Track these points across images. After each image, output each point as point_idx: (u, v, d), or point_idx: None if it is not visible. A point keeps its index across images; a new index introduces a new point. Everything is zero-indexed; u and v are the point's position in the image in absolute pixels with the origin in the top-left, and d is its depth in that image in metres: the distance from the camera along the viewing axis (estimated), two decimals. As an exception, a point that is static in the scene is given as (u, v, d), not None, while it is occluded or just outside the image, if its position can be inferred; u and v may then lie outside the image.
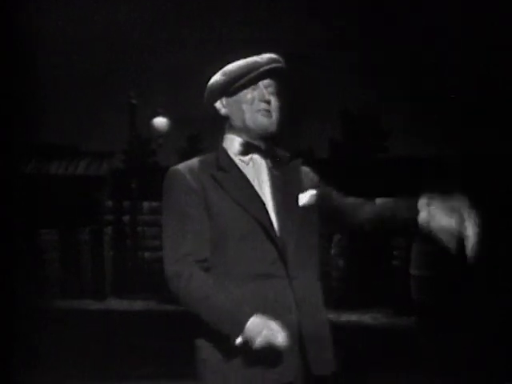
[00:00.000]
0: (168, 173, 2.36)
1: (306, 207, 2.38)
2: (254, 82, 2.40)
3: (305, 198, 2.39)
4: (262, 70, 2.39)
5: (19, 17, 7.73)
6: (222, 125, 2.45)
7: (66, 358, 6.72)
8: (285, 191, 2.37)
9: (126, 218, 13.01)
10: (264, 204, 2.30)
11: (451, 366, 6.59)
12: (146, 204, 13.07)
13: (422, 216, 2.17)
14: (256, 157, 2.41)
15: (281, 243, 2.26)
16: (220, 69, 2.47)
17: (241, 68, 2.40)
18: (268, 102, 2.40)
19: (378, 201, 2.36)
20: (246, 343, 2.07)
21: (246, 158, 2.40)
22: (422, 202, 2.18)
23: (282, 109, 2.45)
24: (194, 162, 2.39)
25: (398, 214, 2.25)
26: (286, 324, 2.12)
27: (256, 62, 2.40)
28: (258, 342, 2.04)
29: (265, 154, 2.42)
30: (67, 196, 13.08)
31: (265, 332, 2.04)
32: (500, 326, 7.95)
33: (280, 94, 2.46)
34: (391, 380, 6.22)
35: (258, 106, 2.40)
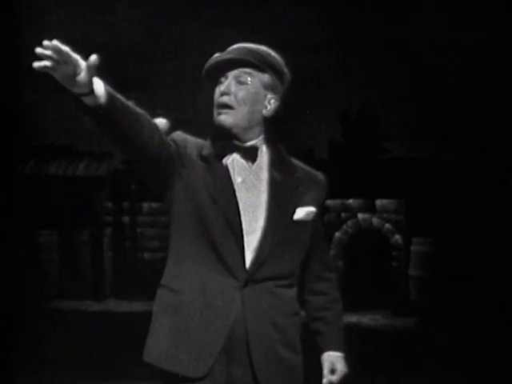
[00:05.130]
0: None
1: (298, 222, 2.22)
2: (215, 75, 2.19)
3: (301, 212, 2.22)
4: (216, 60, 2.18)
5: (18, 16, 7.74)
6: None
7: (66, 358, 6.72)
8: (280, 199, 2.20)
9: (126, 219, 13.00)
10: (238, 207, 2.16)
11: (451, 367, 6.58)
12: (145, 205, 13.06)
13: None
14: (237, 156, 2.23)
15: (247, 245, 2.16)
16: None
17: (207, 64, 2.23)
18: (227, 94, 2.16)
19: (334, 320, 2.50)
20: None
21: (225, 158, 2.23)
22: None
23: (250, 100, 2.16)
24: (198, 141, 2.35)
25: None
26: (217, 325, 2.15)
27: (215, 56, 2.21)
28: None
29: (246, 154, 2.21)
30: (66, 197, 13.06)
31: None
32: (499, 326, 7.95)
33: (260, 83, 2.18)
34: (390, 381, 6.22)
35: (216, 100, 2.21)
